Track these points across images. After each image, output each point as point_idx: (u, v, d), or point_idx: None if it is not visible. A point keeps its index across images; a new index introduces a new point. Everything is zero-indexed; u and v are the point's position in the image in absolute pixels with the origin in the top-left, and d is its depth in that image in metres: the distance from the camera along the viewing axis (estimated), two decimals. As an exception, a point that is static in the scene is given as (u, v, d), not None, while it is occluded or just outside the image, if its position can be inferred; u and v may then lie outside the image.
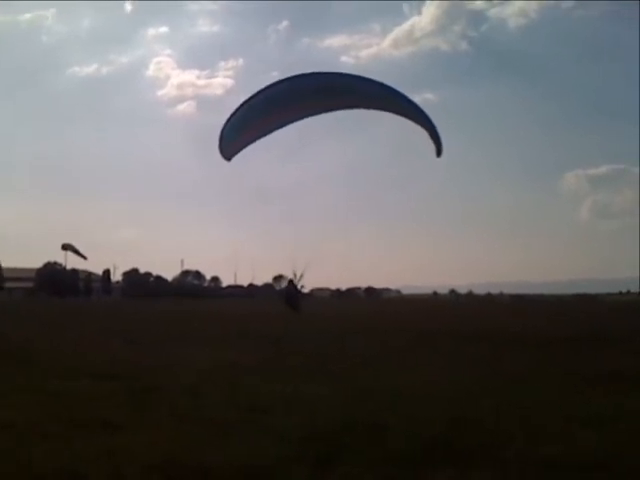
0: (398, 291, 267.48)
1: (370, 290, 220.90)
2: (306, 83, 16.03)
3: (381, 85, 15.98)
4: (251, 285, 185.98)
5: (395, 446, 6.57)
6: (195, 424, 7.55)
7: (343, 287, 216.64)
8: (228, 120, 16.65)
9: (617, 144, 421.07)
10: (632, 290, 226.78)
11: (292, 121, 16.82)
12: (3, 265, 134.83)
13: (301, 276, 27.53)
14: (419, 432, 7.16)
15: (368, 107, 16.66)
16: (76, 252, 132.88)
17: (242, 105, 16.46)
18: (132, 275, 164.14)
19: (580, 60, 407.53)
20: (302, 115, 16.71)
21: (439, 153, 16.36)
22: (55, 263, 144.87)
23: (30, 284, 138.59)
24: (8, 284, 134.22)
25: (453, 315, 51.45)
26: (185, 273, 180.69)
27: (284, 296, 32.70)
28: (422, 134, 16.20)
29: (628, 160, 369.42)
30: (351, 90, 16.11)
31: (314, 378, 11.52)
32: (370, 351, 17.44)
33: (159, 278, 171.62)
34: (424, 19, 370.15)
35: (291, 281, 30.38)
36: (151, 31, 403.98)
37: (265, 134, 16.95)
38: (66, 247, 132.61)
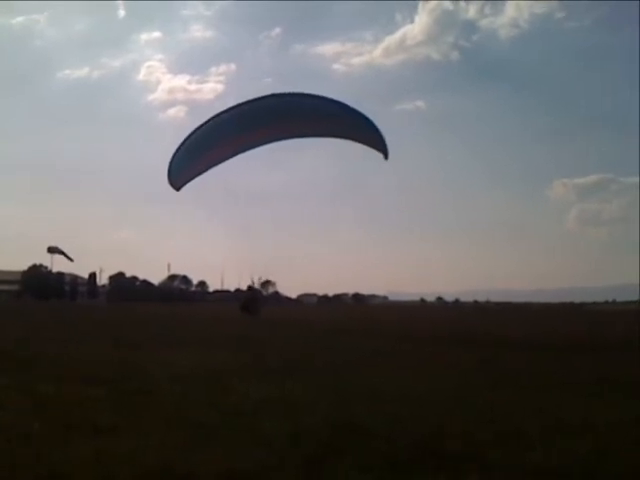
0: (385, 297, 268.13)
1: (357, 296, 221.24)
2: (254, 110, 15.67)
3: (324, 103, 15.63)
4: (238, 290, 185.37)
5: (382, 449, 6.63)
6: (183, 428, 7.57)
7: (331, 293, 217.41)
8: (177, 151, 16.36)
9: (604, 154, 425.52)
10: (617, 299, 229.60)
11: (242, 151, 16.51)
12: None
13: (258, 281, 27.66)
14: (404, 435, 7.24)
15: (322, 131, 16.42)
16: (62, 254, 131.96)
17: (190, 135, 16.19)
18: (118, 279, 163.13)
19: (569, 70, 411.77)
20: (252, 145, 16.43)
21: (386, 156, 16.41)
22: (41, 266, 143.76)
23: (15, 287, 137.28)
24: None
25: (438, 320, 51.62)
26: (172, 277, 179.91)
27: (242, 301, 32.90)
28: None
29: (615, 169, 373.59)
30: (303, 114, 15.79)
31: (298, 380, 11.57)
32: (352, 353, 17.53)
33: (146, 282, 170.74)
34: (416, 28, 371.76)
35: (250, 287, 30.71)
36: (144, 36, 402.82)
37: (214, 165, 16.67)
38: (52, 250, 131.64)
